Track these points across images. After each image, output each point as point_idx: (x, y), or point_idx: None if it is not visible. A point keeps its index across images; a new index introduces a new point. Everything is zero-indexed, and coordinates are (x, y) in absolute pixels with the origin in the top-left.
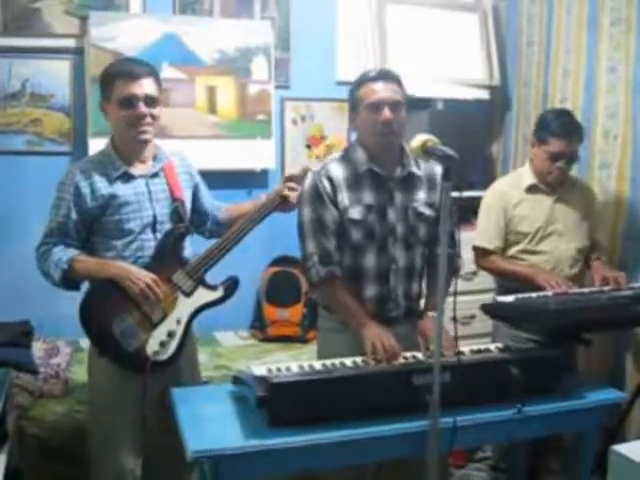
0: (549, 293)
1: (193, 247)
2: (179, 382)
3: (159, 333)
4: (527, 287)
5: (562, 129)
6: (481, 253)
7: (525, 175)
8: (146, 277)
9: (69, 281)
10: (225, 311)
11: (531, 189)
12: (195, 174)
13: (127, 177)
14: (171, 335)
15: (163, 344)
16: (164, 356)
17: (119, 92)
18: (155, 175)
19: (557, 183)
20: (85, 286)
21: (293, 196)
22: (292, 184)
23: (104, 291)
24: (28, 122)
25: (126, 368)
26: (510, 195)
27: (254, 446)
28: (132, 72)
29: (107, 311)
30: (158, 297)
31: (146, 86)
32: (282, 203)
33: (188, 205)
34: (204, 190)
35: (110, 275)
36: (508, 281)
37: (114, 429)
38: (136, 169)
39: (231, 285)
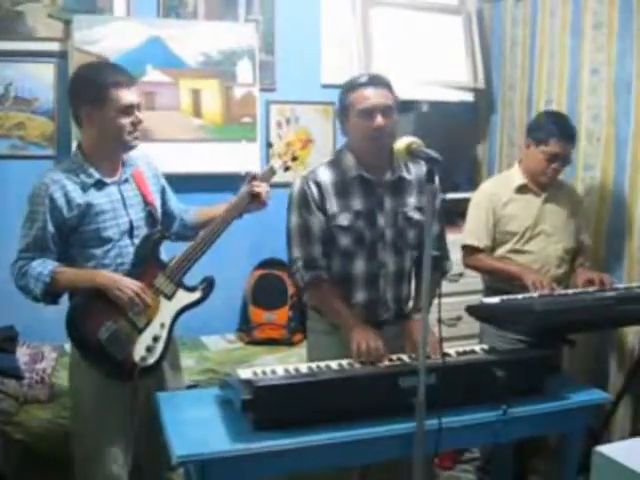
0: (534, 294)
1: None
2: (163, 387)
3: (145, 338)
4: (515, 287)
5: (562, 131)
6: (469, 252)
7: (515, 175)
8: (133, 285)
9: (50, 295)
10: (212, 315)
11: (521, 189)
12: (161, 177)
13: (100, 184)
14: (156, 339)
15: (149, 349)
16: (151, 360)
17: (118, 100)
18: (126, 181)
19: (549, 184)
20: (64, 299)
21: (263, 193)
22: (256, 182)
23: (89, 301)
24: (12, 126)
25: (114, 376)
26: (499, 195)
27: (239, 450)
28: (127, 80)
29: (93, 320)
30: (146, 304)
31: (137, 93)
32: (252, 202)
33: (159, 208)
34: (170, 192)
35: (96, 285)
36: (495, 280)
37: (100, 437)
38: (108, 176)
39: (208, 285)
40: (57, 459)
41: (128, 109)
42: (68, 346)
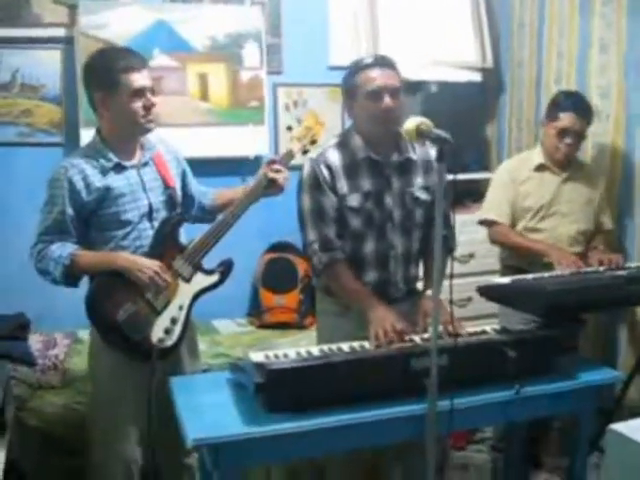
0: (545, 275)
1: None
2: (180, 370)
3: (163, 320)
4: (535, 266)
5: (570, 105)
6: (492, 225)
7: (535, 155)
8: (153, 265)
9: (70, 277)
10: (222, 299)
11: (539, 168)
12: (181, 160)
13: (119, 168)
14: (174, 321)
15: (167, 331)
16: (169, 342)
17: (129, 84)
18: (145, 164)
19: (565, 161)
20: (84, 282)
21: (281, 179)
22: (276, 166)
23: (108, 283)
24: (19, 113)
25: (133, 357)
26: (519, 172)
27: (253, 433)
28: (137, 64)
29: (112, 302)
30: (167, 283)
31: (149, 77)
32: (270, 186)
33: (179, 191)
34: (190, 176)
35: (116, 266)
36: (514, 258)
37: (117, 419)
38: (127, 160)
39: (226, 268)
40: (72, 444)
41: (139, 92)
42: (81, 333)
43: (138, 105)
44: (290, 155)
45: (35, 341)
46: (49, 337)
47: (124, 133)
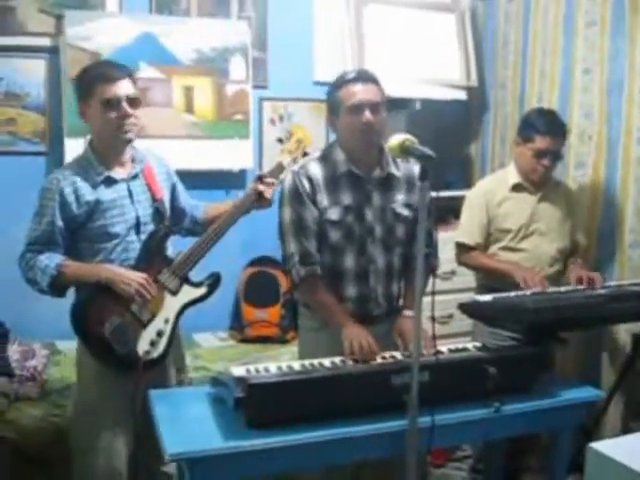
0: (527, 292)
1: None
2: (166, 383)
3: (149, 333)
4: (507, 285)
5: (547, 127)
6: (462, 249)
7: (510, 174)
8: (138, 277)
9: (57, 287)
10: (204, 312)
11: (516, 188)
12: (172, 173)
13: (110, 182)
14: (160, 334)
15: (153, 343)
16: (154, 355)
17: (101, 94)
18: (135, 177)
19: (541, 181)
20: (70, 293)
21: (269, 192)
22: (266, 180)
23: (94, 295)
24: (2, 121)
25: (118, 369)
26: (494, 193)
27: (232, 447)
28: (112, 74)
29: (98, 315)
30: (152, 294)
31: (126, 87)
32: (259, 200)
33: (167, 204)
34: (181, 189)
35: (101, 278)
36: (488, 278)
37: (102, 431)
38: (117, 172)
39: (214, 281)
40: (49, 457)
41: (111, 102)
42: (60, 344)
43: (111, 116)
44: (280, 168)
45: (13, 351)
46: (27, 347)
47: (106, 143)
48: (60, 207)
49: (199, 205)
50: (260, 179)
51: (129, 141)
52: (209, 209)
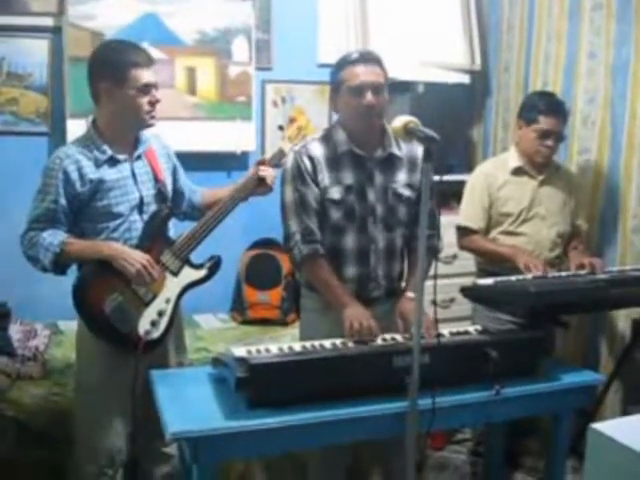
0: (528, 276)
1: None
2: (166, 363)
3: (150, 313)
4: (507, 269)
5: (550, 107)
6: (464, 233)
7: (511, 158)
8: (142, 258)
9: (59, 265)
10: (205, 294)
11: (516, 171)
12: (173, 156)
13: (113, 161)
14: (161, 314)
15: (154, 323)
16: (155, 335)
17: (136, 79)
18: (138, 158)
19: (545, 163)
20: (72, 271)
21: (270, 178)
22: (266, 166)
23: (96, 272)
24: (4, 102)
25: (119, 348)
26: (495, 177)
27: (233, 427)
28: (147, 60)
29: (99, 292)
30: (153, 278)
31: (155, 74)
32: (260, 185)
33: (169, 186)
34: (181, 172)
35: (104, 256)
36: (489, 263)
37: (103, 410)
38: (121, 153)
39: (214, 264)
40: (51, 436)
41: (146, 88)
42: (61, 323)
43: (144, 100)
44: (281, 154)
45: (15, 331)
46: (29, 327)
47: (123, 126)
48: (64, 185)
49: (197, 190)
50: (261, 164)
51: (152, 125)
52: (207, 194)
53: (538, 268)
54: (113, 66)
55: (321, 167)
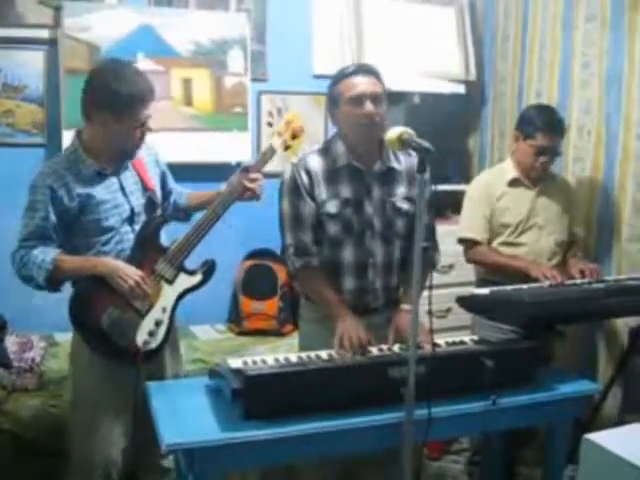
0: (544, 284)
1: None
2: (162, 373)
3: (147, 323)
4: (513, 280)
5: (549, 125)
6: (468, 245)
7: (507, 169)
8: (134, 275)
9: (53, 282)
10: (201, 304)
11: (513, 183)
12: (160, 161)
13: (100, 177)
14: (158, 324)
15: (152, 333)
16: (153, 345)
17: (138, 117)
18: (125, 168)
19: (540, 177)
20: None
21: (257, 187)
22: (251, 176)
23: (91, 287)
24: (0, 113)
25: (117, 361)
26: (494, 187)
27: (229, 438)
28: (149, 93)
29: (95, 307)
30: (146, 294)
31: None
32: (245, 193)
33: (158, 193)
34: (169, 176)
35: (98, 273)
36: (492, 274)
37: (98, 422)
38: (107, 165)
39: (209, 268)
40: (47, 448)
41: (144, 124)
42: (57, 335)
43: (137, 133)
44: (272, 151)
45: (11, 343)
46: (25, 339)
47: (110, 148)
48: (52, 201)
49: (183, 192)
50: (245, 171)
51: (133, 157)
52: (192, 196)
53: (555, 277)
54: (113, 100)
55: (318, 181)
